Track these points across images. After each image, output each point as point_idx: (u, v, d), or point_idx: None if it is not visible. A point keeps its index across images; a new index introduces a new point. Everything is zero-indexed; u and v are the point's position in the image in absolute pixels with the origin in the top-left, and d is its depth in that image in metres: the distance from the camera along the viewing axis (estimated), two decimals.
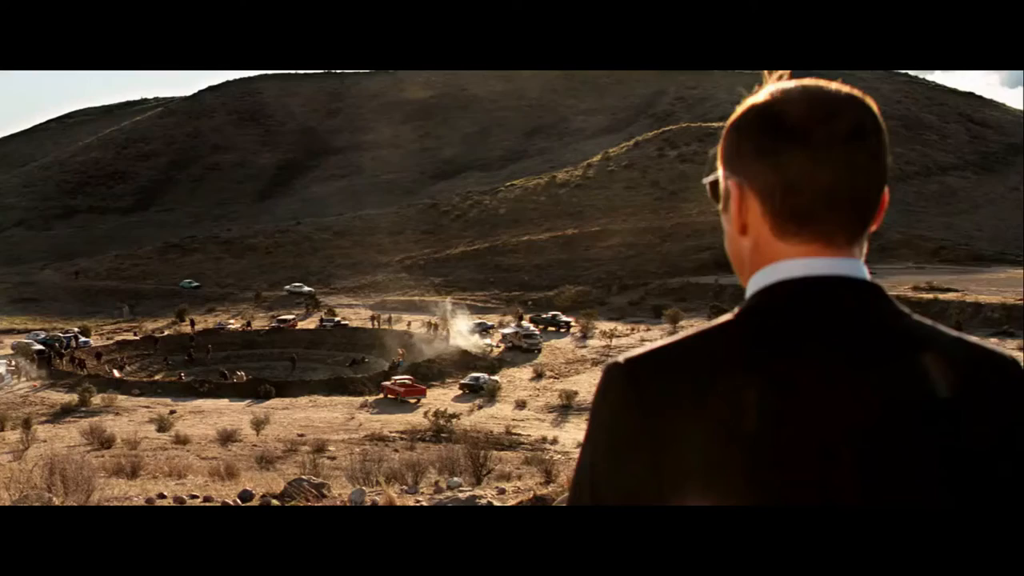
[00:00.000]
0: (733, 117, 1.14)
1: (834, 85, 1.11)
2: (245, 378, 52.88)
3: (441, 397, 46.29)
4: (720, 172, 1.16)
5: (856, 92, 1.10)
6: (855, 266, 1.09)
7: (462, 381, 49.55)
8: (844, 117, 1.07)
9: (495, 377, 49.43)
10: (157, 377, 54.74)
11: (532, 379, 51.33)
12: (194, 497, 16.90)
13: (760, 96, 1.12)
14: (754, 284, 1.11)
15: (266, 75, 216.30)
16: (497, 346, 57.97)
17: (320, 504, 8.83)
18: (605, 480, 1.08)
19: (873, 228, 1.12)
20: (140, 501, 16.07)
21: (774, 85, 1.12)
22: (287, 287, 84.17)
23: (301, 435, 35.39)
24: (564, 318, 63.62)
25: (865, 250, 1.12)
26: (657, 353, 1.08)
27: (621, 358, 1.09)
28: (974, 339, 1.10)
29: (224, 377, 53.02)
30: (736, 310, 1.10)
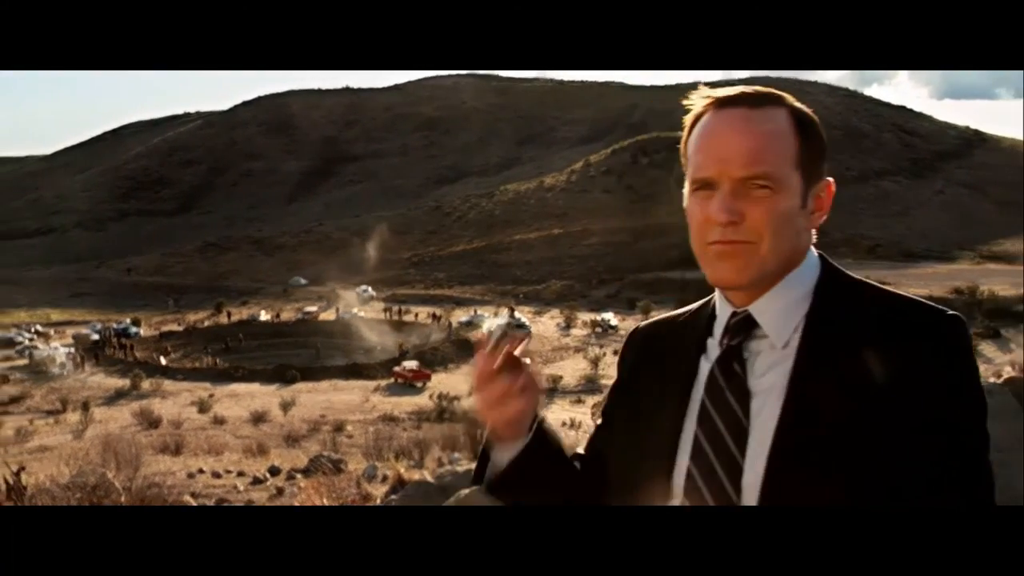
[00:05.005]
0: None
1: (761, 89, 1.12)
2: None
3: (445, 381, 46.04)
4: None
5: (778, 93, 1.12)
6: None
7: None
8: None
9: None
10: (197, 364, 55.00)
11: None
12: (229, 472, 17.32)
13: (698, 103, 1.12)
14: None
15: (293, 91, 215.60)
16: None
17: (322, 499, 9.22)
18: (605, 404, 1.28)
19: None
20: (183, 476, 16.46)
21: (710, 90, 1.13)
22: (357, 289, 77.73)
23: (323, 416, 34.97)
24: (613, 321, 59.13)
25: None
26: (653, 323, 1.25)
27: (643, 323, 1.28)
28: (906, 294, 1.11)
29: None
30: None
